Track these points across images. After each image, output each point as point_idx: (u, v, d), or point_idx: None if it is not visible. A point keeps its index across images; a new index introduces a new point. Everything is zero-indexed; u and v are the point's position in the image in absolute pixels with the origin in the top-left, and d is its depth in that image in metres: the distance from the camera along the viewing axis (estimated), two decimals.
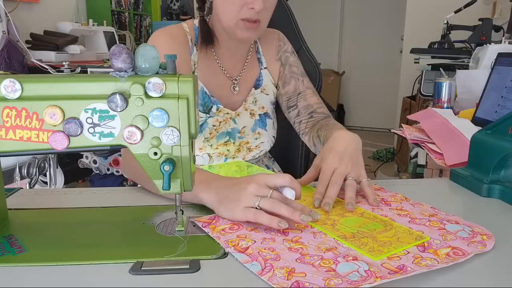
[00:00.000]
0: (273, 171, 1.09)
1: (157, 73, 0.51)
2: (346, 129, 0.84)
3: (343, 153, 0.73)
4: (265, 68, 1.07)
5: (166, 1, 5.08)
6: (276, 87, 1.09)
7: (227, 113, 1.00)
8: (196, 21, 1.01)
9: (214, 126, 0.99)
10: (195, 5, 1.03)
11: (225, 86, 1.01)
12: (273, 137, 1.09)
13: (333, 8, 5.52)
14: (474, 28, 2.15)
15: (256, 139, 1.05)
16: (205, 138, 0.98)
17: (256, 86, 1.05)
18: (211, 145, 0.99)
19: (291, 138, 1.24)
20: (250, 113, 1.03)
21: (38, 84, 0.49)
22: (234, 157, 1.03)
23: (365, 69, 5.47)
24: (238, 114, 1.02)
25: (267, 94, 1.07)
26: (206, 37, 0.97)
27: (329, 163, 0.72)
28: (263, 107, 1.05)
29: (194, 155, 0.56)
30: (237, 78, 1.03)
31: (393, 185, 0.79)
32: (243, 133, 1.03)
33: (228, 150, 1.02)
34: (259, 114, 1.05)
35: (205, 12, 0.99)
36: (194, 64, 0.97)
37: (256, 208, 0.59)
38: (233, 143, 1.02)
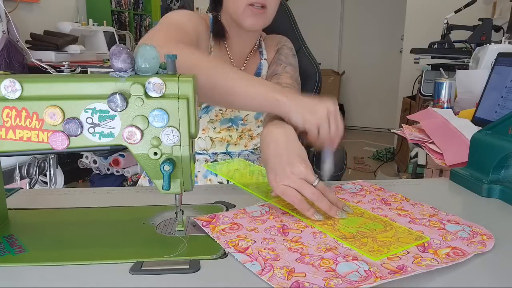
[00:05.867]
0: None
1: (157, 73, 0.51)
2: (281, 120, 0.73)
3: (278, 163, 0.64)
4: (265, 59, 1.10)
5: (166, 1, 5.08)
6: None
7: None
8: (210, 15, 1.06)
9: (220, 110, 1.03)
10: (195, 6, 1.07)
11: None
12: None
13: (333, 8, 5.52)
14: (474, 28, 2.15)
15: (258, 127, 1.08)
16: (210, 119, 1.03)
17: (257, 74, 1.09)
18: (214, 128, 1.03)
19: None
20: None
21: (38, 84, 0.49)
22: (236, 144, 1.06)
23: (365, 69, 5.46)
24: None
25: None
26: (218, 32, 1.03)
27: (278, 185, 0.63)
28: None
29: (194, 155, 0.56)
30: (241, 69, 1.07)
31: (393, 185, 0.79)
32: (246, 120, 1.06)
33: (230, 136, 1.05)
34: None
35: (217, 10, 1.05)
36: (211, 48, 1.02)
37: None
38: (236, 129, 1.06)
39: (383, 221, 0.60)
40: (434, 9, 3.59)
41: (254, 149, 1.10)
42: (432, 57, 2.25)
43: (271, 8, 0.96)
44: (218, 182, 1.00)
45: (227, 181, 0.99)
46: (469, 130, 0.97)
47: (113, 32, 3.85)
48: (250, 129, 1.07)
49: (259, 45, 1.10)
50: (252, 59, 1.09)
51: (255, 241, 0.54)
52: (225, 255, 0.51)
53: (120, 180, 2.57)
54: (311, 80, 1.24)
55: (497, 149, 0.72)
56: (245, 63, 1.08)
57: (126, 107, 0.49)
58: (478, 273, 0.47)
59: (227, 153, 1.06)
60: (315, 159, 1.22)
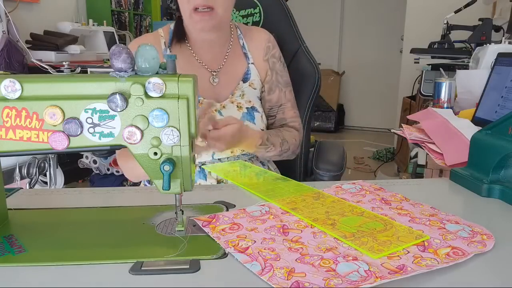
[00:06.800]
0: (269, 169, 1.09)
1: (157, 73, 0.51)
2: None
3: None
4: (252, 63, 1.08)
5: (166, 1, 5.08)
6: (262, 85, 1.10)
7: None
8: (172, 24, 1.06)
9: (198, 118, 1.00)
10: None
11: (204, 79, 1.04)
12: (262, 130, 1.08)
13: (333, 8, 5.52)
14: (474, 28, 2.15)
15: None
16: None
17: (245, 79, 1.07)
18: None
19: None
20: (237, 106, 1.04)
21: (38, 84, 0.49)
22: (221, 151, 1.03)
23: (365, 69, 5.46)
24: (224, 107, 1.03)
25: (254, 89, 1.08)
26: (178, 35, 1.04)
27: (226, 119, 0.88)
28: (250, 101, 1.06)
29: (194, 155, 0.56)
30: (216, 70, 1.05)
31: (393, 185, 0.79)
32: None
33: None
34: (247, 108, 1.05)
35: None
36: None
37: None
38: None
39: (383, 220, 0.60)
40: (434, 9, 3.59)
41: (243, 154, 1.05)
42: (432, 57, 2.25)
43: (220, 7, 0.93)
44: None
45: (218, 182, 0.98)
46: (469, 130, 0.97)
47: (113, 32, 3.85)
48: None
49: (242, 46, 1.08)
50: (233, 62, 1.07)
51: (255, 241, 0.54)
52: (225, 255, 0.51)
53: (120, 180, 2.57)
54: (311, 80, 1.24)
55: (497, 149, 0.72)
56: (221, 66, 1.05)
57: (126, 107, 0.49)
58: (478, 273, 0.47)
59: (214, 160, 1.02)
60: (314, 158, 1.23)
